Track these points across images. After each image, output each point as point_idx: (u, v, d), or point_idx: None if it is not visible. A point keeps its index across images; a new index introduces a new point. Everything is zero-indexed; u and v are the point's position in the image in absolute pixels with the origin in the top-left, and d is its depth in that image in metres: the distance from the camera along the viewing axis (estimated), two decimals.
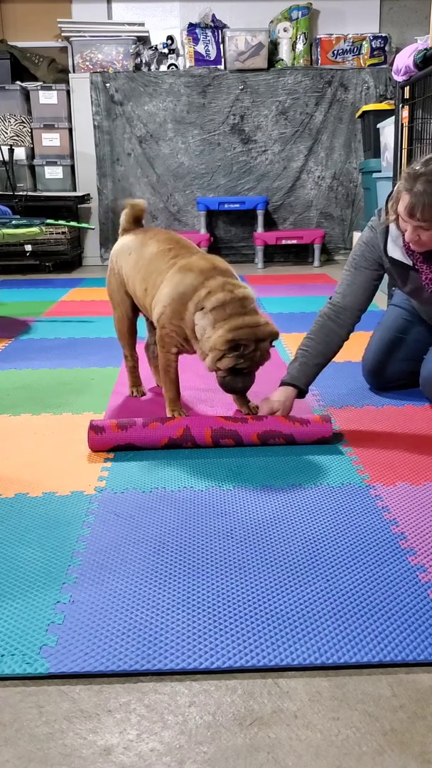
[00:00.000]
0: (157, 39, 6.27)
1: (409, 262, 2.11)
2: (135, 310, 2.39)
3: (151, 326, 2.44)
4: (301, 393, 2.13)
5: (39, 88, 6.12)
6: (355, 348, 3.12)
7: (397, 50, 5.67)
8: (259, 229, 6.08)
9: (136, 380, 2.52)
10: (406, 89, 3.77)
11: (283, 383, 2.13)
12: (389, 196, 2.05)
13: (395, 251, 2.12)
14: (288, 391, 2.11)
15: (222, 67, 6.14)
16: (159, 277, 2.13)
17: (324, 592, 1.31)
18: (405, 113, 3.79)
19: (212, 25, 6.11)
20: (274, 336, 1.97)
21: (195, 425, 1.99)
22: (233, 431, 1.98)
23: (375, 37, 6.17)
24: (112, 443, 1.98)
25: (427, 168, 1.89)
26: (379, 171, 4.65)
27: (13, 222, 3.97)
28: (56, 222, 4.51)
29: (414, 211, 1.90)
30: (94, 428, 1.97)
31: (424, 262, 2.09)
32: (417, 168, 1.92)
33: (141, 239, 2.30)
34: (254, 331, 1.93)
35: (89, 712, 1.05)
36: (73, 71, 6.22)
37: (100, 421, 2.00)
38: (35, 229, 3.92)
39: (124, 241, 2.37)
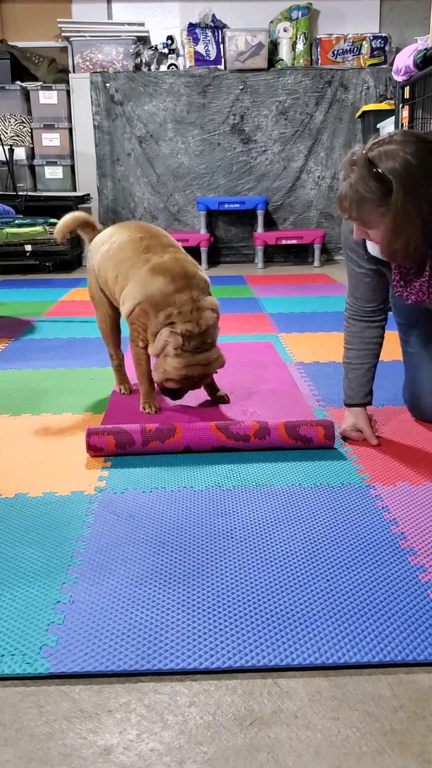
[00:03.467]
0: (157, 39, 6.27)
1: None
2: (116, 308, 2.41)
3: None
4: (366, 404, 2.06)
5: (39, 88, 6.12)
6: None
7: (397, 50, 5.67)
8: (259, 229, 6.08)
9: (122, 378, 2.54)
10: (406, 89, 3.77)
11: (348, 406, 2.07)
12: None
13: (374, 249, 1.86)
14: (356, 411, 2.05)
15: (222, 67, 6.14)
16: (129, 269, 2.18)
17: (324, 592, 1.31)
18: (405, 113, 3.79)
19: (212, 25, 6.11)
20: (221, 366, 2.19)
21: (195, 443, 1.96)
22: (234, 448, 1.98)
23: (375, 37, 6.17)
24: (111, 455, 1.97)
25: (364, 155, 1.60)
26: None
27: (17, 221, 3.97)
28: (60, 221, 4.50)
29: (343, 203, 1.64)
30: (93, 448, 1.94)
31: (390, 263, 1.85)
32: (355, 155, 1.63)
33: (113, 231, 2.36)
34: (204, 369, 2.14)
35: (89, 712, 1.05)
36: (73, 71, 6.22)
37: (97, 435, 1.94)
38: (39, 228, 3.92)
39: (97, 237, 2.44)
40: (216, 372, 2.23)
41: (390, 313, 2.09)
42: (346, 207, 1.65)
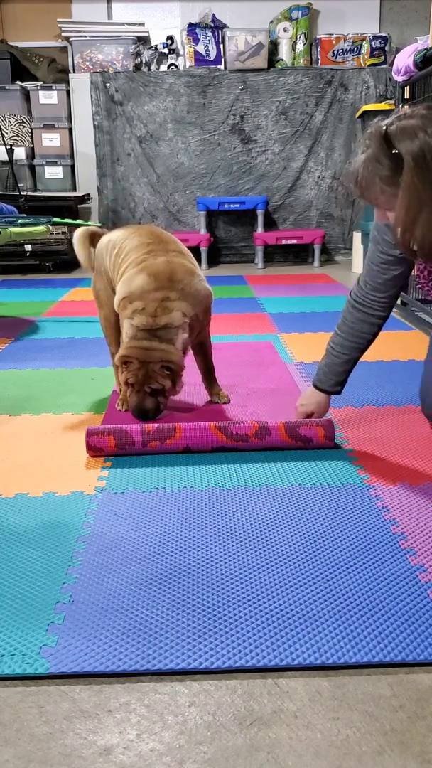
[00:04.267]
0: (157, 39, 6.27)
1: None
2: None
3: None
4: (334, 392, 2.04)
5: (39, 88, 6.12)
6: None
7: (397, 50, 5.67)
8: (259, 229, 6.08)
9: None
10: (406, 89, 3.77)
11: (315, 387, 2.06)
12: None
13: None
14: (321, 395, 2.05)
15: (222, 67, 6.14)
16: (128, 268, 2.20)
17: (324, 592, 1.31)
18: None
19: (212, 25, 6.11)
20: (167, 362, 2.05)
21: (195, 443, 1.95)
22: (233, 449, 1.98)
23: (375, 37, 6.17)
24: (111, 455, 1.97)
25: (382, 129, 1.51)
26: None
27: (20, 221, 3.96)
28: (63, 221, 4.50)
29: (358, 178, 1.56)
30: (93, 448, 1.94)
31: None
32: (372, 128, 1.54)
33: (125, 234, 2.36)
34: (144, 353, 2.05)
35: (89, 712, 1.05)
36: (73, 71, 6.22)
37: (97, 435, 1.94)
38: (42, 228, 3.92)
39: (108, 237, 2.43)
40: (165, 364, 2.05)
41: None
42: (354, 184, 1.59)
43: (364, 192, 1.59)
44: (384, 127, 1.51)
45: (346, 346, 1.99)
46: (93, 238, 2.56)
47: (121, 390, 2.53)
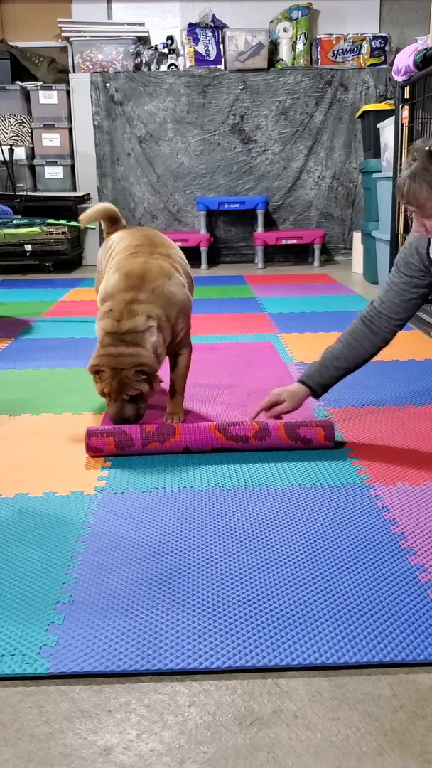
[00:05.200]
0: (157, 39, 6.27)
1: None
2: None
3: None
4: (315, 393, 2.05)
5: (39, 88, 6.12)
6: None
7: (397, 50, 5.67)
8: (259, 229, 6.08)
9: None
10: (406, 89, 3.77)
11: (299, 380, 2.07)
12: None
13: None
14: (300, 387, 2.04)
15: (222, 67, 6.14)
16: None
17: (324, 592, 1.31)
18: (405, 113, 3.79)
19: (212, 25, 6.11)
20: (139, 366, 1.97)
21: (194, 444, 1.95)
22: (233, 449, 1.97)
23: (375, 37, 6.17)
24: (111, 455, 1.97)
25: (428, 147, 1.73)
26: (379, 171, 4.65)
27: (14, 222, 3.97)
28: (57, 222, 4.51)
29: (401, 190, 1.74)
30: (92, 449, 1.93)
31: None
32: (417, 145, 1.77)
33: (121, 235, 2.36)
34: (115, 360, 1.98)
35: (89, 712, 1.05)
36: (73, 71, 6.22)
37: (97, 436, 1.93)
38: (36, 229, 3.92)
39: (109, 238, 2.44)
40: (139, 368, 1.97)
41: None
42: (404, 194, 1.73)
43: (411, 198, 1.73)
44: (427, 147, 1.73)
45: (342, 356, 2.01)
46: (112, 217, 2.54)
47: None
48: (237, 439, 1.94)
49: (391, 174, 4.12)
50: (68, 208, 6.07)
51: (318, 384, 2.03)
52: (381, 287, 2.00)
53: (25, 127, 5.79)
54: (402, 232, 3.83)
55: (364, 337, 1.99)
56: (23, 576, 1.38)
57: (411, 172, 1.73)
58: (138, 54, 6.17)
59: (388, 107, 5.05)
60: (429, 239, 1.90)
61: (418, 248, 1.93)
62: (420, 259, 1.92)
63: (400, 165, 3.83)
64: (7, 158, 5.72)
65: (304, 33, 6.15)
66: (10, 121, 5.62)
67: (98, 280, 2.43)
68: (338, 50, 6.19)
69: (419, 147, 1.75)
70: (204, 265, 6.04)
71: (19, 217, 4.30)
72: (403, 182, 1.74)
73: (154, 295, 2.05)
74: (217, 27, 6.12)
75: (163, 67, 6.25)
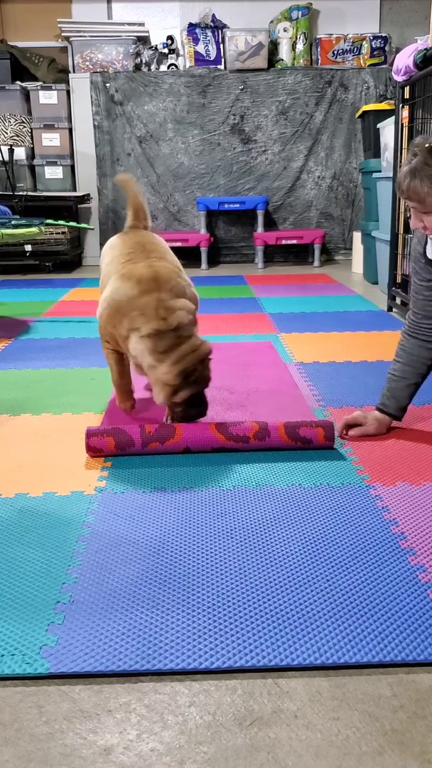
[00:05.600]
0: (157, 39, 6.27)
1: None
2: None
3: None
4: (396, 418, 2.08)
5: (39, 88, 6.12)
6: (354, 349, 3.13)
7: (397, 50, 5.67)
8: (259, 229, 6.08)
9: None
10: (406, 89, 3.77)
11: (377, 409, 2.09)
12: None
13: (431, 251, 1.92)
14: (382, 416, 2.07)
15: (222, 67, 6.14)
16: (108, 281, 2.13)
17: (324, 592, 1.31)
18: (405, 113, 3.79)
19: (212, 25, 6.11)
20: (210, 352, 2.00)
21: (194, 444, 1.95)
22: (233, 449, 1.97)
23: (375, 37, 6.17)
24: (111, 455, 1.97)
25: (425, 143, 1.75)
26: (379, 171, 4.65)
27: (13, 222, 3.97)
28: (56, 222, 4.51)
29: (401, 185, 1.76)
30: (92, 449, 1.93)
31: None
32: (417, 141, 1.79)
33: (116, 242, 2.32)
34: (197, 355, 1.95)
35: (89, 712, 1.05)
36: (73, 71, 6.22)
37: (97, 436, 1.93)
38: (34, 230, 3.92)
39: (108, 242, 2.40)
40: (208, 357, 2.00)
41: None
42: (404, 189, 1.75)
43: (411, 194, 1.74)
44: (428, 143, 1.74)
45: (406, 372, 2.04)
46: (138, 209, 2.50)
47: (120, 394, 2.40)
48: (237, 439, 1.94)
49: (391, 174, 4.12)
50: (68, 208, 6.07)
51: (397, 408, 2.07)
52: (410, 301, 2.05)
53: (25, 127, 5.79)
54: (402, 232, 3.83)
55: (417, 347, 2.02)
56: (23, 576, 1.38)
57: (411, 167, 1.74)
58: (138, 54, 6.17)
59: (388, 107, 5.05)
60: (426, 239, 1.91)
61: (419, 251, 1.96)
62: (425, 261, 1.95)
63: (400, 165, 3.83)
64: (6, 158, 5.71)
65: (304, 33, 6.15)
66: (10, 121, 5.62)
67: (102, 285, 2.36)
68: (338, 50, 6.19)
69: (419, 143, 1.76)
70: (204, 265, 6.04)
71: (18, 217, 4.30)
72: (404, 177, 1.75)
73: (173, 292, 2.02)
74: (217, 27, 6.12)
75: (163, 67, 6.25)
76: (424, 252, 1.94)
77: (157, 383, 1.96)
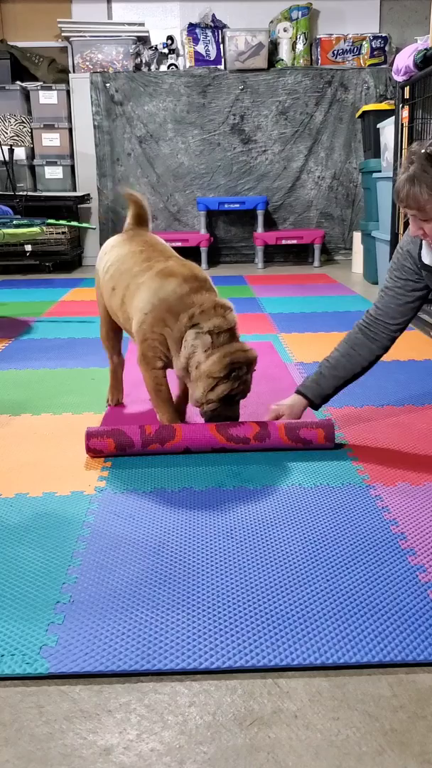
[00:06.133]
0: (157, 39, 6.27)
1: None
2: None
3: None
4: (313, 404, 2.04)
5: (39, 88, 6.12)
6: None
7: (397, 50, 5.67)
8: (259, 229, 6.08)
9: (117, 384, 2.41)
10: (406, 89, 3.77)
11: (296, 391, 2.06)
12: None
13: (428, 256, 1.89)
14: (298, 398, 2.03)
15: (222, 67, 6.14)
16: (130, 279, 2.03)
17: (324, 592, 1.31)
18: (405, 113, 3.79)
19: (212, 25, 6.11)
20: (257, 359, 1.95)
21: (194, 445, 1.94)
22: (233, 450, 1.97)
23: (375, 37, 6.17)
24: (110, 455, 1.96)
25: (425, 150, 1.73)
26: (379, 171, 4.65)
27: (14, 222, 3.97)
28: (57, 222, 4.50)
29: (400, 194, 1.74)
30: (92, 450, 1.93)
31: None
32: (413, 148, 1.77)
33: (119, 240, 2.26)
34: (246, 355, 1.90)
35: (89, 712, 1.05)
36: (73, 71, 6.22)
37: (96, 438, 1.92)
38: (36, 229, 3.92)
39: (107, 242, 2.33)
40: (255, 368, 1.96)
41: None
42: (403, 198, 1.73)
43: (410, 202, 1.72)
44: (424, 149, 1.73)
45: (339, 365, 2.00)
46: (140, 211, 2.38)
47: (108, 400, 2.37)
48: (237, 440, 1.94)
49: (391, 174, 4.12)
50: (68, 208, 6.07)
51: (316, 395, 2.02)
52: (378, 296, 2.00)
53: (25, 127, 5.79)
54: (402, 232, 3.83)
55: (362, 345, 1.98)
56: (23, 576, 1.38)
57: (409, 175, 1.72)
58: (138, 54, 6.17)
59: (388, 107, 5.05)
60: (421, 242, 1.89)
61: (410, 251, 1.93)
62: (413, 262, 1.92)
63: (400, 165, 3.83)
64: (7, 158, 5.71)
65: (304, 33, 6.15)
66: (10, 121, 5.63)
67: (97, 286, 2.31)
68: (338, 50, 6.19)
69: (416, 150, 1.75)
70: (204, 265, 6.04)
71: (19, 217, 4.30)
72: (402, 186, 1.73)
73: (214, 291, 1.98)
74: (217, 27, 6.12)
75: (163, 67, 6.25)
76: (419, 254, 1.91)
77: (200, 378, 1.88)
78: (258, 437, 1.94)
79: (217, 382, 1.86)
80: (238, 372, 1.88)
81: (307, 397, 2.03)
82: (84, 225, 4.96)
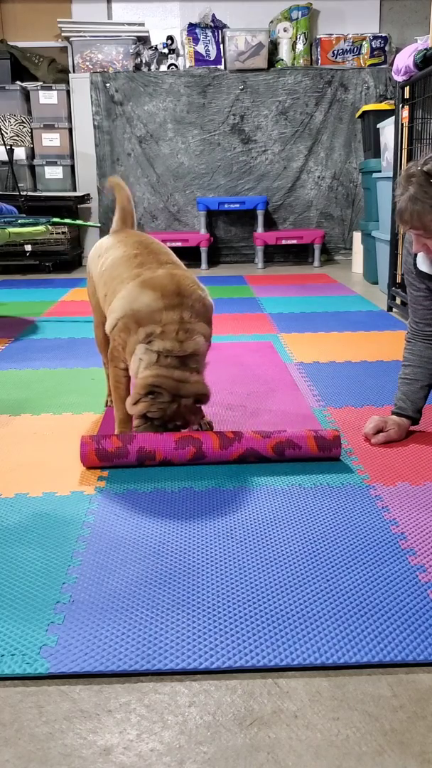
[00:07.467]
0: (157, 39, 6.28)
1: None
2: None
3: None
4: (414, 420, 2.06)
5: (39, 88, 6.12)
6: (354, 349, 3.13)
7: (397, 50, 5.67)
8: (259, 229, 6.08)
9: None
10: (406, 89, 3.77)
11: (393, 413, 2.07)
12: None
13: (424, 264, 1.93)
14: (403, 419, 2.05)
15: (222, 67, 6.14)
16: (119, 285, 1.98)
17: (324, 592, 1.31)
18: (405, 113, 3.79)
19: (212, 25, 6.11)
20: (200, 397, 1.86)
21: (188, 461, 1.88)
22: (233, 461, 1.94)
23: (375, 37, 6.17)
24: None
25: (422, 168, 1.72)
26: (379, 171, 4.65)
27: (20, 221, 3.96)
28: (62, 221, 4.50)
29: (403, 215, 1.73)
30: (87, 467, 1.88)
31: None
32: (411, 169, 1.75)
33: (113, 241, 2.20)
34: (177, 386, 1.82)
35: (89, 712, 1.05)
36: (73, 71, 6.22)
37: (90, 457, 1.87)
38: (41, 228, 3.91)
39: (99, 242, 2.28)
40: (198, 403, 1.89)
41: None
42: (407, 219, 1.73)
43: (414, 222, 1.72)
44: (420, 167, 1.73)
45: (418, 373, 2.04)
46: (125, 212, 2.34)
47: (108, 402, 2.36)
48: (236, 452, 1.88)
49: (391, 174, 4.12)
50: (68, 208, 6.07)
51: (414, 410, 2.06)
52: (409, 310, 2.08)
53: (25, 127, 5.79)
54: (402, 232, 3.83)
55: (425, 348, 2.03)
56: (23, 576, 1.38)
57: (410, 195, 1.71)
58: (138, 54, 6.17)
59: (388, 107, 5.06)
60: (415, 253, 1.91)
61: (410, 262, 1.99)
62: (416, 273, 1.97)
63: (400, 165, 3.83)
64: (7, 158, 5.71)
65: (304, 33, 6.15)
66: (10, 121, 5.63)
67: (89, 287, 2.27)
68: (338, 50, 6.19)
69: (414, 171, 1.73)
70: (204, 265, 6.04)
71: (24, 216, 4.29)
72: (405, 207, 1.72)
73: (195, 311, 1.89)
74: (217, 27, 6.12)
75: (163, 67, 6.25)
76: (414, 264, 1.96)
77: (133, 389, 1.88)
78: (242, 458, 1.88)
79: (139, 399, 1.85)
80: (157, 397, 1.83)
81: (408, 416, 2.05)
82: (89, 224, 4.95)
